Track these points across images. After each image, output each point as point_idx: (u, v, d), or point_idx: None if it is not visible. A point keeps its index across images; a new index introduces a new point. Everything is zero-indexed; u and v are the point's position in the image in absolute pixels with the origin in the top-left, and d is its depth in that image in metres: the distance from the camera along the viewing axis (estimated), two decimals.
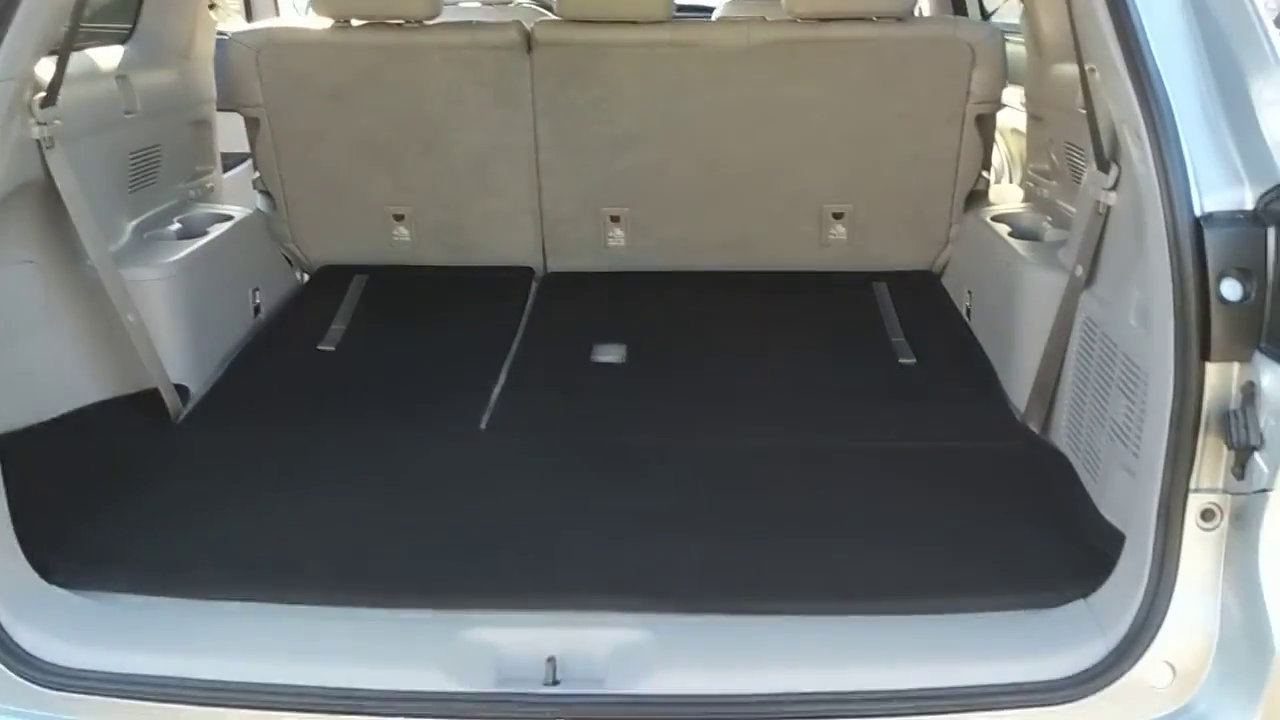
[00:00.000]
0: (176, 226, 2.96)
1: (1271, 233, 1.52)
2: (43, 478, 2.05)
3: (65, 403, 2.43)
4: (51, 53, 2.16)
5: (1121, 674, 1.63)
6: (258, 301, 3.11)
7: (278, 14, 4.91)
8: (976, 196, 3.23)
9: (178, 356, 2.64)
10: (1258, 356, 1.55)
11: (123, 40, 2.98)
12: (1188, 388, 1.57)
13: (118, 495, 2.16)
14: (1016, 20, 3.43)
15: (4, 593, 1.74)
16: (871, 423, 2.44)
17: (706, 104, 3.13)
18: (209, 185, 3.37)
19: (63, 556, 1.91)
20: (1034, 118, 3.17)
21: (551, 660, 1.69)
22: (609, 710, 1.67)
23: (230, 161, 3.72)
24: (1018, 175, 4.15)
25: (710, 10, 5.43)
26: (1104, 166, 2.05)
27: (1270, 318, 1.53)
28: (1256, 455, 1.56)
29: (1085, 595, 1.77)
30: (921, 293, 3.18)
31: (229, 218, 3.09)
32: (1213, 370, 1.57)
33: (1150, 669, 1.63)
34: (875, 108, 3.09)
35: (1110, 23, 1.64)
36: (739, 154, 3.19)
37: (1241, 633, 1.62)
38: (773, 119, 3.13)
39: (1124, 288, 1.98)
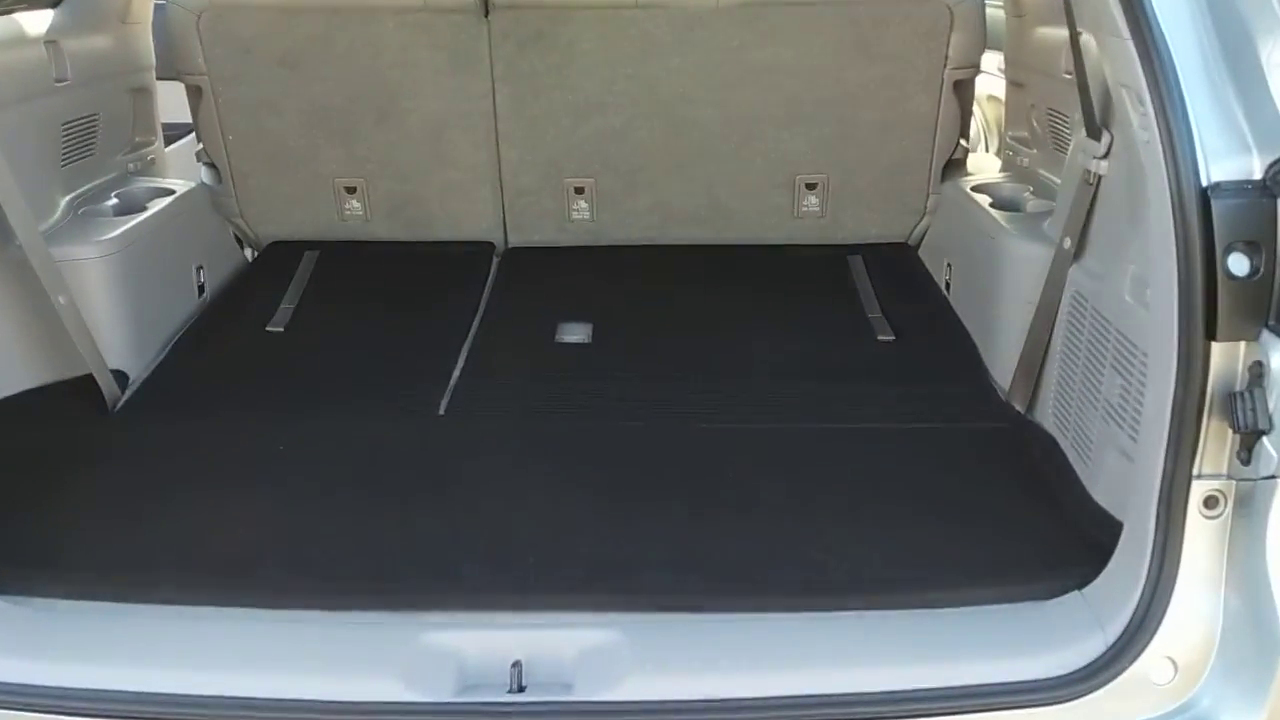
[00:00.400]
0: (114, 202, 2.79)
1: None
2: None
3: None
4: None
5: (1122, 670, 1.54)
6: (202, 280, 2.95)
7: None
8: (955, 165, 3.12)
9: (116, 340, 2.48)
10: (1266, 335, 1.46)
11: (53, 4, 2.79)
12: (1191, 368, 1.48)
13: (48, 491, 2.02)
14: None
15: None
16: (851, 403, 2.34)
17: (673, 69, 2.99)
18: (150, 158, 3.19)
19: None
20: (1014, 83, 3.06)
21: (516, 665, 1.57)
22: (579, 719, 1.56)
23: (177, 132, 3.54)
24: (994, 144, 4.05)
25: None
26: (1095, 134, 1.94)
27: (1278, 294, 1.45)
28: (1265, 440, 1.47)
29: (1080, 587, 1.68)
30: (898, 266, 3.08)
31: (170, 192, 2.92)
32: (1218, 350, 1.48)
33: (1151, 664, 1.55)
34: (850, 72, 2.97)
35: None
36: (707, 121, 3.05)
37: (1246, 626, 1.54)
38: (742, 84, 3.00)
39: (1117, 261, 1.88)
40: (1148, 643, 1.55)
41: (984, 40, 2.96)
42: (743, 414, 2.31)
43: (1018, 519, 1.92)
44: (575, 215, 3.18)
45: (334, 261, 3.16)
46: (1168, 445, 1.51)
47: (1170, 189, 1.45)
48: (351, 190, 3.17)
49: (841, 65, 2.96)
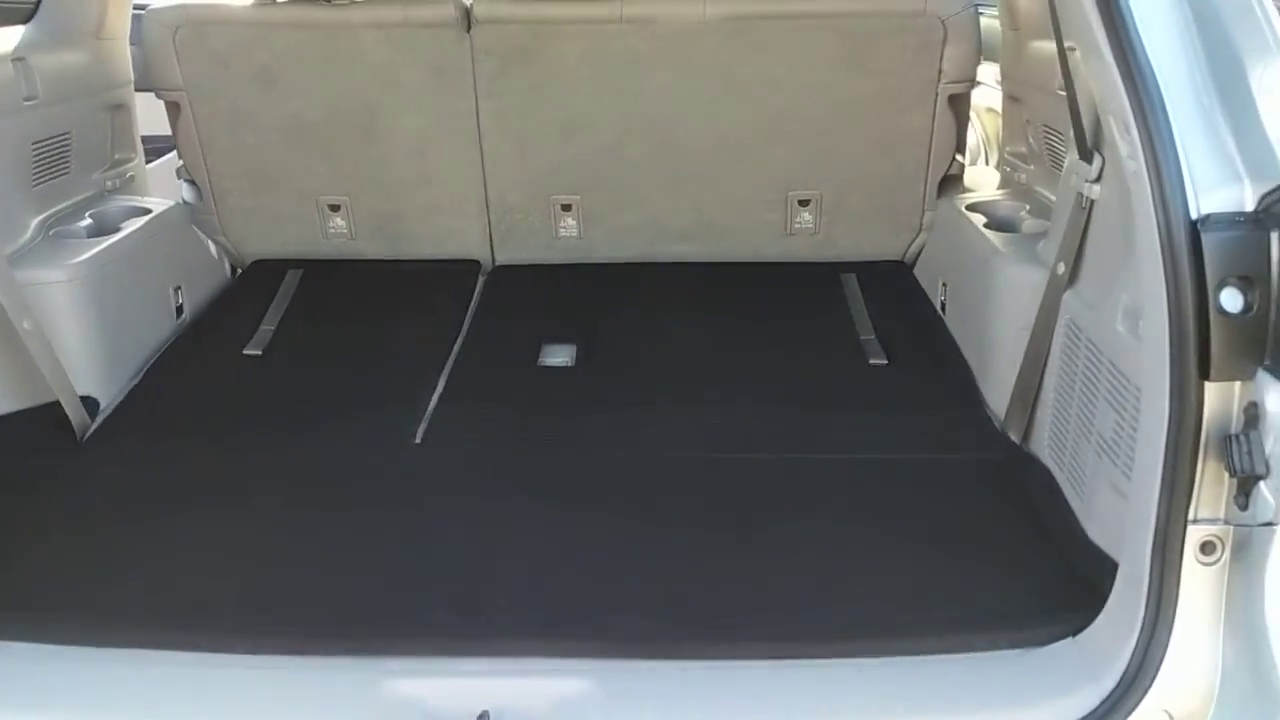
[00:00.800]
0: (87, 222, 2.72)
1: (1275, 237, 1.34)
2: None
3: None
4: None
5: None
6: (180, 301, 2.88)
7: None
8: (951, 181, 3.04)
9: (86, 366, 2.42)
10: (1261, 375, 1.38)
11: (25, 19, 2.74)
12: (1184, 409, 1.40)
13: (7, 524, 1.95)
14: None
15: None
16: (840, 432, 2.26)
17: (661, 84, 2.92)
18: (129, 175, 3.12)
19: None
20: (1010, 97, 2.98)
21: (484, 716, 1.50)
22: None
23: (163, 145, 3.47)
24: (994, 157, 3.97)
25: None
26: (1086, 156, 1.87)
27: (1276, 331, 1.37)
28: (1262, 485, 1.39)
29: (1075, 634, 1.60)
30: (893, 285, 3.00)
31: (147, 211, 2.86)
32: (1212, 390, 1.40)
33: (1147, 718, 1.47)
34: (842, 87, 2.89)
35: None
36: (697, 137, 2.98)
37: (1245, 678, 1.46)
38: (732, 100, 2.92)
39: (1110, 289, 1.80)
40: (1143, 696, 1.47)
41: (979, 54, 2.88)
42: (728, 443, 2.23)
43: (1011, 559, 1.83)
44: (563, 233, 3.11)
45: (317, 281, 3.09)
46: (1161, 487, 1.44)
47: (1158, 221, 1.37)
48: (335, 208, 3.10)
49: (833, 80, 2.89)
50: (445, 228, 3.14)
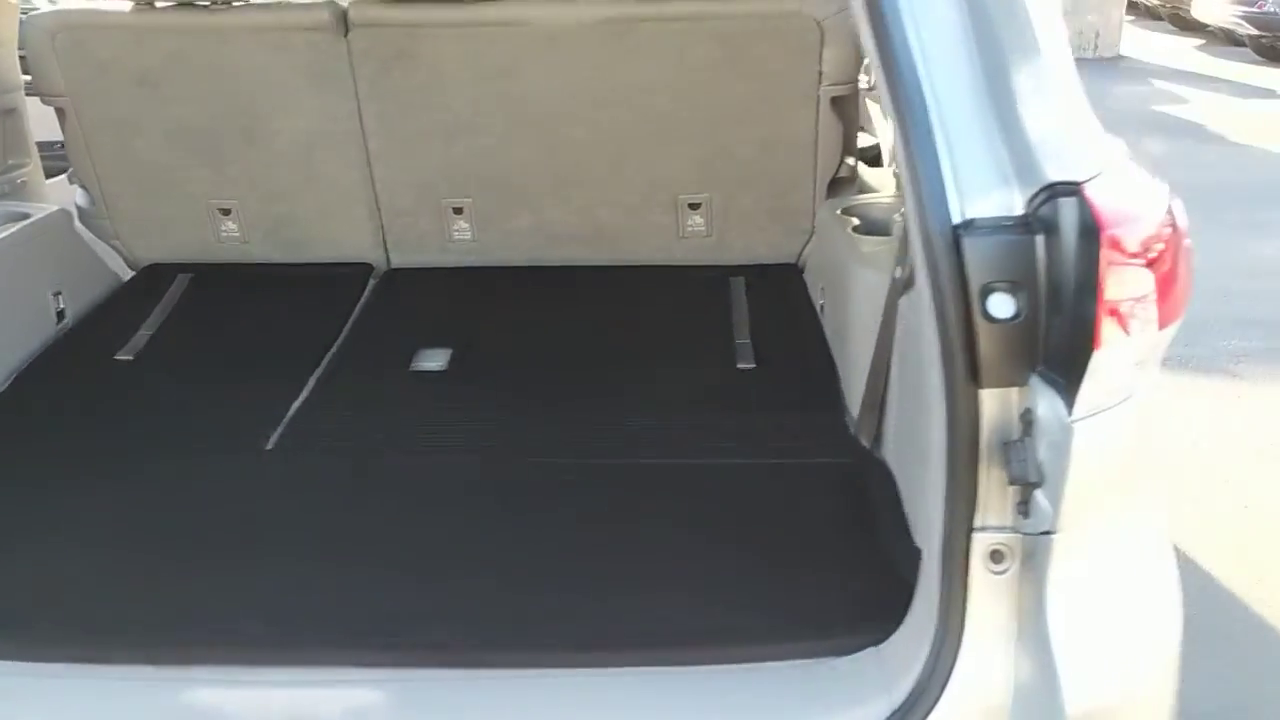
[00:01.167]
0: None
1: (1041, 241, 1.32)
2: None
3: None
4: None
5: None
6: (61, 307, 2.85)
7: None
8: (841, 184, 3.02)
9: None
10: (1035, 381, 1.37)
11: None
12: (957, 415, 1.38)
13: None
14: None
15: None
16: (691, 438, 2.24)
17: (544, 87, 2.90)
18: (20, 180, 3.10)
19: None
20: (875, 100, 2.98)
21: None
22: None
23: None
24: None
25: None
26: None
27: (1046, 336, 1.35)
28: (1038, 493, 1.38)
29: (879, 643, 1.58)
30: (780, 289, 2.98)
31: (26, 216, 2.84)
32: (988, 396, 1.38)
33: None
34: (724, 90, 2.87)
35: None
36: (584, 140, 2.96)
37: (1034, 692, 1.44)
38: (616, 102, 2.91)
39: (921, 296, 1.79)
40: (931, 708, 1.45)
41: (859, 55, 2.87)
42: (580, 449, 2.22)
43: (836, 566, 1.82)
44: (456, 235, 3.10)
45: (207, 285, 3.07)
46: (945, 496, 1.42)
47: (919, 225, 1.35)
48: (226, 211, 3.09)
49: (713, 83, 2.87)
50: (337, 231, 3.12)
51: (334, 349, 2.70)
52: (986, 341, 1.34)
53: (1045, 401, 1.34)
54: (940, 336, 1.36)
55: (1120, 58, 12.74)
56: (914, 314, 1.91)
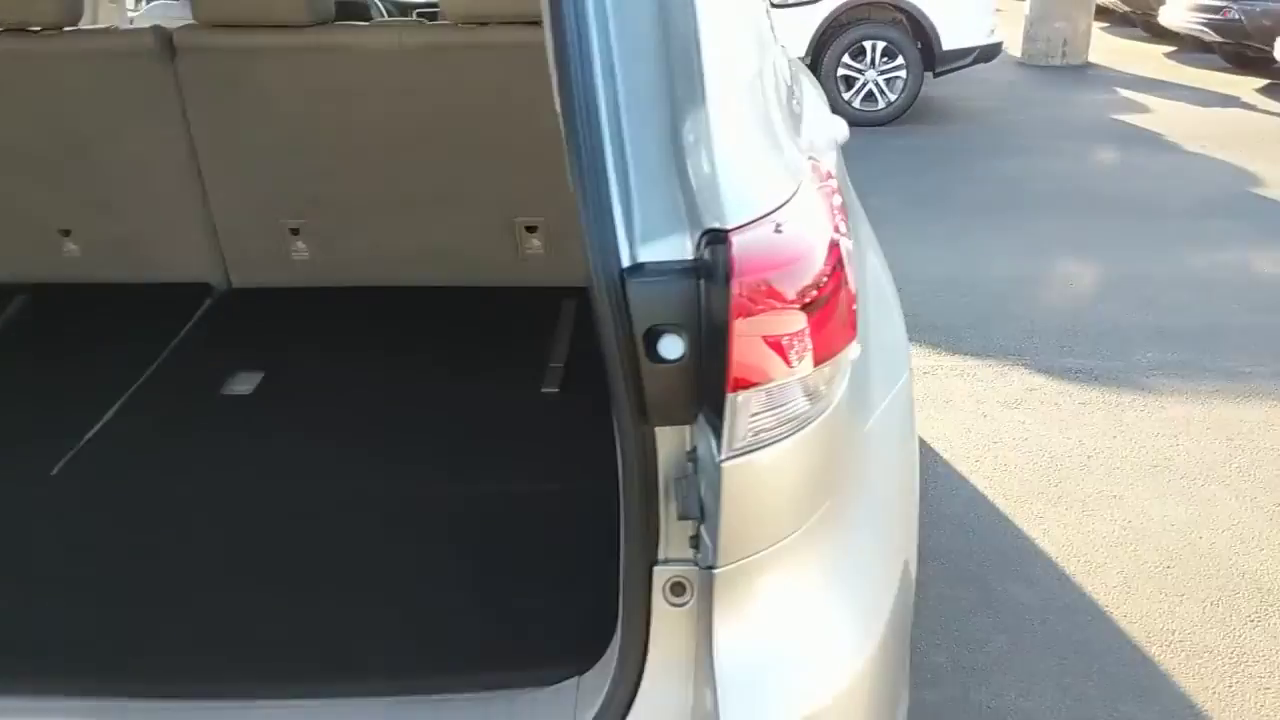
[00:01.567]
0: None
1: (703, 284, 1.36)
2: None
3: None
4: None
5: None
6: None
7: None
8: None
9: None
10: (701, 419, 1.41)
11: None
12: (629, 452, 1.43)
13: None
14: None
15: None
16: (473, 464, 2.29)
17: (372, 112, 2.96)
18: None
19: None
20: None
21: None
22: None
23: None
24: None
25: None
26: None
27: (706, 378, 1.39)
28: (702, 529, 1.42)
29: (582, 673, 1.63)
30: None
31: None
32: (662, 434, 1.43)
33: None
34: (547, 116, 2.90)
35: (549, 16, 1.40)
36: (415, 164, 3.02)
37: None
38: (443, 128, 2.96)
39: None
40: None
41: None
42: (372, 477, 2.26)
43: (579, 594, 1.86)
44: (295, 256, 3.15)
45: (44, 306, 3.13)
46: (624, 530, 1.46)
47: (592, 266, 1.39)
48: (66, 232, 3.15)
49: (537, 109, 2.89)
50: (176, 251, 3.18)
51: (149, 370, 2.74)
52: (651, 381, 1.38)
53: (704, 440, 1.38)
54: (609, 374, 1.40)
55: (1088, 65, 12.74)
56: None
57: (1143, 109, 10.46)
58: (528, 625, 1.77)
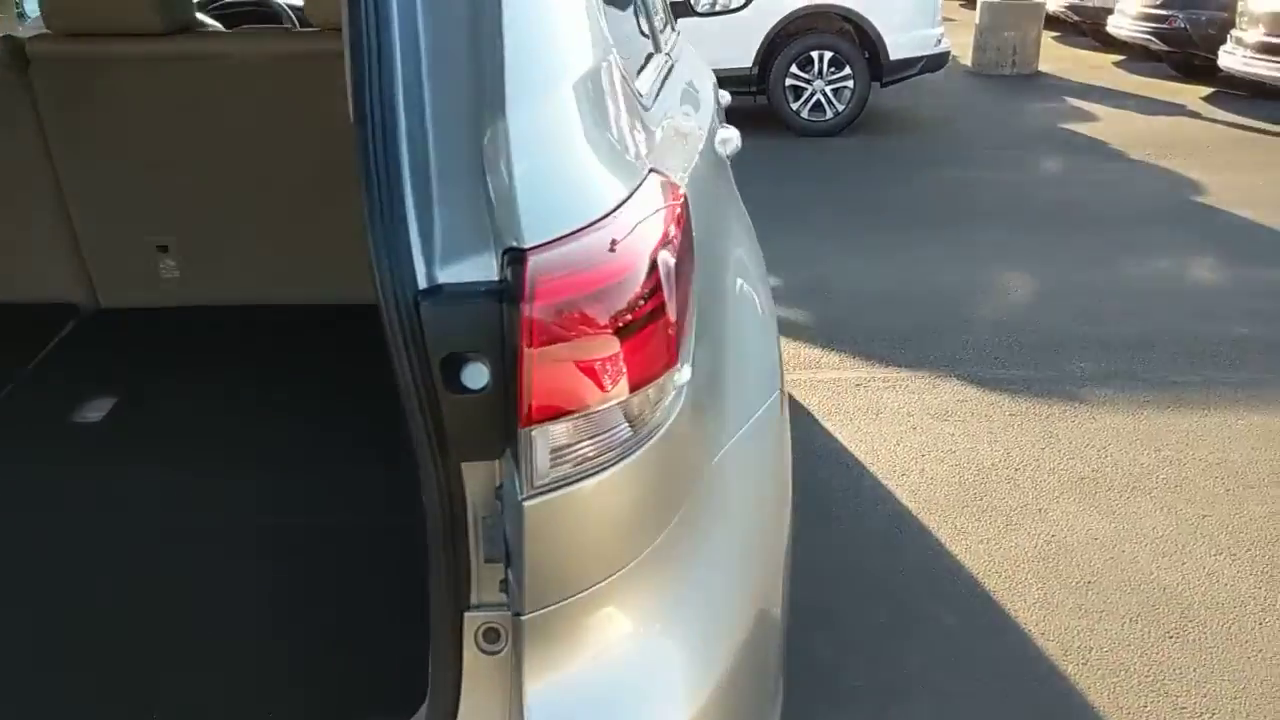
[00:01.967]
0: None
1: (506, 309, 1.24)
2: None
3: None
4: None
5: None
6: None
7: None
8: None
9: None
10: (508, 454, 1.30)
11: None
12: (429, 490, 1.32)
13: None
14: None
15: None
16: (300, 491, 2.18)
17: (231, 125, 2.85)
18: None
19: None
20: None
21: None
22: None
23: None
24: None
25: None
26: None
27: (512, 409, 1.28)
28: (509, 572, 1.32)
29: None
30: None
31: None
32: (468, 470, 1.32)
33: None
34: None
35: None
36: (281, 178, 2.91)
37: None
38: (310, 140, 2.84)
39: None
40: None
41: None
42: (191, 505, 2.17)
43: (402, 638, 1.75)
44: (165, 274, 3.03)
45: None
46: (430, 572, 1.36)
47: (382, 288, 1.28)
48: None
49: None
50: (40, 270, 3.05)
51: (3, 396, 2.62)
52: (453, 413, 1.27)
53: (509, 478, 1.28)
54: (404, 405, 1.29)
55: (1038, 74, 12.81)
56: None
57: (1091, 118, 10.50)
58: (344, 674, 1.66)
